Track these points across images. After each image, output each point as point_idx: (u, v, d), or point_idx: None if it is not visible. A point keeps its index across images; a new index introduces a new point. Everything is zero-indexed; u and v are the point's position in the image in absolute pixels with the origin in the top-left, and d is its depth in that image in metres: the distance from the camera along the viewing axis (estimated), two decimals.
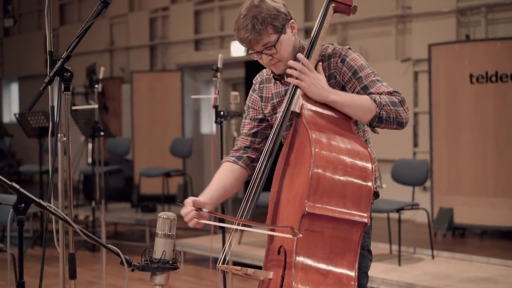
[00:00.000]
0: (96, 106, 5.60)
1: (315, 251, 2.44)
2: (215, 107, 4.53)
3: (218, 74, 4.65)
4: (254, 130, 2.91)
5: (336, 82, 2.70)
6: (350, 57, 2.69)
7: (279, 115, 2.68)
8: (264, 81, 2.91)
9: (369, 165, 2.50)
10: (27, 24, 16.81)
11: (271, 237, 2.64)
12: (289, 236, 2.37)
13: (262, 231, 2.64)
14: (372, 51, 9.82)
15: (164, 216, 2.54)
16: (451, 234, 8.43)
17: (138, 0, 13.77)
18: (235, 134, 4.96)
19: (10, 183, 2.31)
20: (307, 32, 10.84)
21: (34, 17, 16.52)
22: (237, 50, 11.66)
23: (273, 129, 2.68)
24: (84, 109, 6.87)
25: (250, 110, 2.93)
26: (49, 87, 3.00)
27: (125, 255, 2.47)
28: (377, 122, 2.58)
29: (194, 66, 12.99)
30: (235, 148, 2.93)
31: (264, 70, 2.95)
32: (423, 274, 5.66)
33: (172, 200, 10.18)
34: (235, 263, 2.71)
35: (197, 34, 12.65)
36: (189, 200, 2.70)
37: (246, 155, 2.88)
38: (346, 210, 2.44)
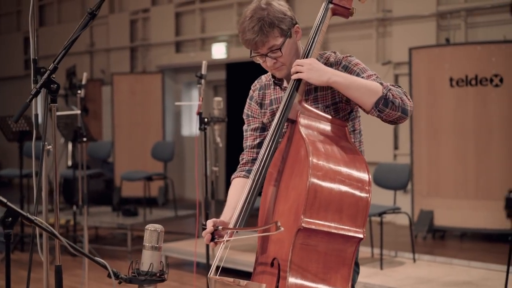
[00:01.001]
0: (79, 111, 5.57)
1: (309, 265, 2.41)
2: (199, 114, 4.51)
3: (202, 81, 4.63)
4: (258, 141, 2.88)
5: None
6: (352, 63, 2.68)
7: (274, 122, 2.63)
8: (263, 87, 2.89)
9: (365, 176, 2.48)
10: (6, 25, 16.68)
11: (263, 248, 2.59)
12: (273, 232, 2.33)
13: (249, 235, 2.61)
14: (353, 54, 9.79)
15: (152, 228, 2.53)
16: (431, 237, 8.49)
17: (118, 2, 13.72)
18: (218, 139, 4.96)
19: None
20: None
21: (13, 18, 16.40)
22: (218, 52, 11.67)
23: (269, 136, 2.62)
24: (67, 114, 6.82)
25: (250, 119, 2.91)
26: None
27: (112, 268, 2.46)
28: (382, 104, 2.48)
29: (175, 68, 12.97)
30: (242, 162, 2.90)
31: (262, 76, 2.93)
32: (406, 278, 5.69)
33: (153, 203, 10.17)
34: (218, 268, 2.67)
35: (178, 36, 12.64)
36: (210, 221, 2.64)
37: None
38: (342, 226, 2.41)
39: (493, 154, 8.05)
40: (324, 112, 2.67)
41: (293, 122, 2.60)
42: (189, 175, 12.87)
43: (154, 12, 12.80)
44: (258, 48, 2.65)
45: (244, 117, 2.94)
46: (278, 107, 2.70)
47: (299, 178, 2.45)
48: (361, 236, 2.44)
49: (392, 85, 2.56)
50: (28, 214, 2.35)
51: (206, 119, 4.53)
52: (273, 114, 2.79)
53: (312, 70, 2.53)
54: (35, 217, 2.36)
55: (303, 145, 2.47)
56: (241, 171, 2.88)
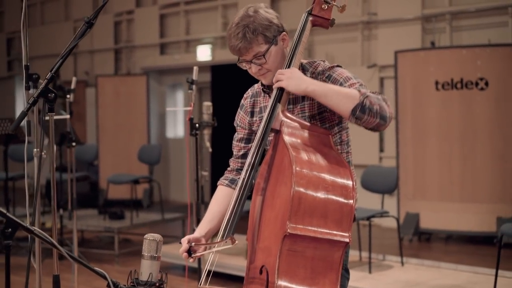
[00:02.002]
0: (68, 116, 5.55)
1: (297, 271, 2.44)
2: (190, 119, 4.50)
3: (194, 87, 4.62)
4: (242, 152, 2.92)
5: None
6: (336, 72, 2.69)
7: (258, 132, 2.66)
8: (254, 94, 2.91)
9: (349, 183, 2.50)
10: None
11: (252, 256, 2.63)
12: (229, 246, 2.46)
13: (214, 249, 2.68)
14: (338, 57, 9.89)
15: (151, 238, 2.52)
16: (417, 239, 8.53)
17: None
18: (207, 144, 4.96)
19: None
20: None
21: None
22: (203, 54, 11.66)
23: (253, 148, 2.65)
24: (57, 119, 6.78)
25: (238, 128, 2.95)
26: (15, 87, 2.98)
27: (111, 278, 2.45)
28: (360, 111, 2.48)
29: (159, 70, 12.94)
30: (229, 169, 2.96)
31: (255, 84, 2.96)
32: (394, 282, 5.72)
33: (138, 205, 10.14)
34: (209, 272, 2.70)
35: (163, 38, 12.61)
36: (185, 238, 2.71)
37: (238, 177, 2.85)
38: (327, 230, 2.43)
39: (478, 157, 8.11)
40: (310, 121, 2.70)
41: (278, 132, 2.63)
42: (173, 178, 12.85)
43: (139, 14, 12.77)
44: (243, 54, 2.68)
45: (235, 125, 2.99)
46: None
47: (283, 186, 2.49)
48: (346, 240, 2.46)
49: (373, 92, 2.57)
50: (28, 225, 2.33)
51: (197, 125, 4.50)
52: (262, 121, 2.81)
53: (291, 79, 2.57)
54: (35, 228, 2.34)
55: (287, 153, 2.50)
56: (225, 179, 2.94)
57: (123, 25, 13.20)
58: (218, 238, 2.60)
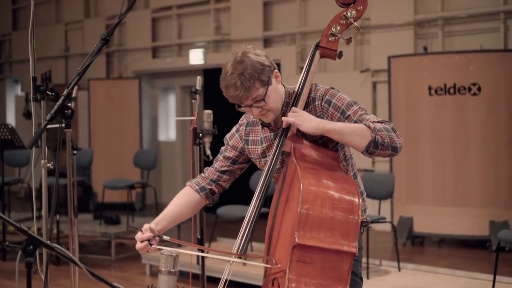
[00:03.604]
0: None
1: (307, 282, 2.53)
2: (194, 129, 4.53)
3: (197, 96, 4.65)
4: (225, 168, 3.01)
5: None
6: (335, 99, 2.77)
7: (269, 157, 2.79)
8: (250, 123, 2.98)
9: (356, 200, 2.60)
10: None
11: (265, 270, 2.74)
12: (269, 266, 2.57)
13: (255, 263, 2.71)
14: (331, 62, 9.84)
15: (168, 253, 2.57)
16: (411, 243, 8.60)
17: (94, 7, 13.65)
18: (208, 152, 4.98)
19: (19, 225, 2.32)
20: (266, 41, 10.93)
21: None
22: (196, 58, 11.69)
23: (266, 170, 2.77)
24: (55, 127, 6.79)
25: (228, 147, 3.03)
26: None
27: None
28: (373, 147, 2.63)
29: (151, 74, 12.96)
30: (203, 175, 3.03)
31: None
32: None
33: (130, 208, 10.15)
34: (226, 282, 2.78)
35: (155, 42, 12.62)
36: (146, 227, 2.78)
37: (210, 187, 3.00)
38: (334, 241, 2.53)
39: (471, 162, 8.19)
40: (316, 143, 2.81)
41: (288, 154, 2.76)
42: (165, 181, 12.87)
43: (131, 18, 12.76)
44: (243, 102, 2.73)
45: (224, 141, 3.06)
46: (268, 145, 2.88)
47: (292, 202, 2.60)
48: (353, 250, 2.55)
49: (380, 122, 2.69)
50: (48, 241, 2.37)
51: (200, 134, 4.53)
52: (263, 151, 2.92)
53: (308, 121, 2.67)
54: (55, 245, 2.38)
55: (296, 171, 2.62)
56: (196, 184, 3.01)
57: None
58: (234, 251, 2.67)
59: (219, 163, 3.02)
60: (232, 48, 11.25)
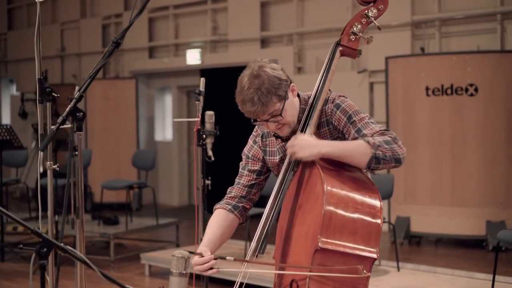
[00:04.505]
0: (70, 125, 5.55)
1: (327, 286, 2.53)
2: (198, 130, 4.56)
3: (201, 98, 4.67)
4: (252, 182, 2.97)
5: (334, 127, 2.78)
6: (345, 104, 2.76)
7: (287, 159, 2.76)
8: (265, 134, 2.96)
9: (377, 203, 2.60)
10: None
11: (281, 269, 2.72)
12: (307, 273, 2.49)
13: (277, 271, 2.72)
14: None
15: (179, 255, 2.59)
16: (408, 243, 8.64)
17: (90, 6, 13.65)
18: (210, 153, 5.01)
19: (33, 228, 2.34)
20: (263, 41, 10.95)
21: None
22: (193, 58, 11.71)
23: (283, 171, 2.75)
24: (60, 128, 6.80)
25: (250, 160, 2.98)
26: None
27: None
28: (375, 163, 2.57)
29: (147, 74, 12.97)
30: (230, 195, 2.97)
31: None
32: None
33: (126, 208, 10.16)
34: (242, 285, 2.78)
35: (152, 42, 12.63)
36: (205, 249, 2.75)
37: (241, 204, 2.95)
38: (356, 246, 2.53)
39: (468, 162, 8.23)
40: None
41: None
42: (162, 181, 12.89)
43: (127, 17, 12.73)
44: (259, 117, 2.70)
45: (243, 156, 3.02)
46: (284, 154, 2.83)
47: (315, 203, 2.58)
48: (374, 256, 2.55)
49: (382, 134, 2.63)
50: (62, 244, 2.39)
51: (204, 136, 4.56)
52: (281, 159, 2.88)
53: (304, 148, 2.60)
54: (69, 247, 2.40)
55: (318, 173, 2.60)
56: (227, 204, 2.95)
57: (111, 28, 13.20)
58: (249, 254, 2.67)
59: (245, 178, 2.97)
60: (229, 48, 11.29)
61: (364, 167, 2.61)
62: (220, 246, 2.90)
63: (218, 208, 2.96)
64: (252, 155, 2.98)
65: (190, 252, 2.67)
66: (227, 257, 2.69)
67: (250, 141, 3.02)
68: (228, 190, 3.00)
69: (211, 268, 2.71)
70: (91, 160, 9.88)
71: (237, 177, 3.01)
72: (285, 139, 2.85)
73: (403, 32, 9.36)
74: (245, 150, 3.01)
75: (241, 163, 3.02)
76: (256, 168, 2.97)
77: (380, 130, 2.65)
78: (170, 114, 13.14)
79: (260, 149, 2.97)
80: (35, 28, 3.37)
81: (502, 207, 8.11)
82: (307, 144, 2.61)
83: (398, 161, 2.60)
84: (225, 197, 2.99)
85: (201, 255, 2.71)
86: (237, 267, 2.79)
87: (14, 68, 14.92)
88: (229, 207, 2.94)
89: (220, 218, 2.92)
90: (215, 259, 2.71)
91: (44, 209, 10.01)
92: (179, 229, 8.46)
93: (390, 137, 2.61)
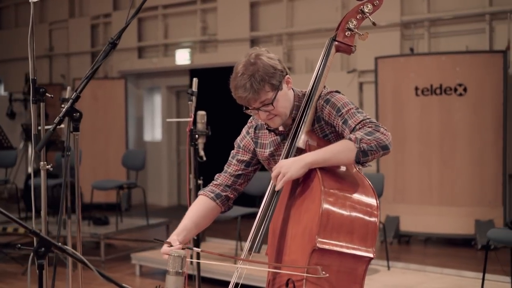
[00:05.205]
0: (63, 126, 5.54)
1: (323, 284, 2.54)
2: (191, 130, 4.57)
3: (194, 98, 4.67)
4: (239, 172, 2.96)
5: (325, 123, 2.78)
6: (334, 98, 2.75)
7: (284, 151, 2.75)
8: (259, 126, 2.96)
9: (374, 201, 2.61)
10: None
11: (275, 271, 2.71)
12: (316, 275, 2.50)
13: (274, 270, 2.72)
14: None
15: (176, 254, 2.59)
16: (397, 242, 8.68)
17: (79, 6, 13.61)
18: (202, 153, 5.01)
19: (31, 228, 2.34)
20: (252, 41, 10.96)
21: None
22: (182, 58, 11.71)
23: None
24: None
25: (240, 150, 2.98)
26: None
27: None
28: (362, 156, 2.55)
29: (136, 74, 12.95)
30: (216, 182, 2.97)
31: None
32: (383, 287, 5.83)
33: (115, 208, 10.15)
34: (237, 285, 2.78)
35: (141, 42, 12.61)
36: (174, 238, 2.75)
37: (225, 193, 2.94)
38: (353, 246, 2.54)
39: (457, 162, 8.28)
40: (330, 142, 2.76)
41: (302, 151, 2.71)
42: (151, 181, 12.88)
43: (116, 17, 12.74)
44: (251, 104, 2.70)
45: (235, 145, 3.02)
46: (276, 148, 2.86)
47: (311, 203, 2.58)
48: (371, 255, 2.58)
49: (363, 124, 2.61)
50: (60, 244, 2.39)
51: (197, 136, 4.57)
52: (271, 154, 2.89)
53: (291, 167, 2.59)
54: (67, 247, 2.40)
55: (314, 171, 2.60)
56: (211, 192, 2.95)
57: (100, 28, 13.17)
58: (246, 251, 2.66)
59: (233, 167, 2.97)
60: (218, 49, 11.29)
61: (352, 162, 2.60)
62: (197, 233, 2.94)
63: (201, 194, 2.96)
64: (243, 145, 2.98)
65: (156, 240, 2.69)
66: (194, 248, 2.72)
67: (243, 131, 3.02)
68: (216, 176, 3.00)
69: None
70: (81, 160, 9.86)
71: (226, 165, 3.00)
72: (278, 133, 2.85)
73: (392, 33, 9.40)
74: (238, 139, 3.02)
75: (232, 151, 3.02)
76: (245, 158, 2.97)
77: (363, 120, 2.63)
78: (159, 114, 13.13)
79: (252, 141, 2.96)
80: (22, 28, 3.37)
81: (491, 206, 8.17)
82: (291, 162, 2.61)
83: (385, 148, 2.57)
84: (210, 184, 2.98)
85: (170, 244, 2.71)
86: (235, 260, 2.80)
87: (2, 68, 14.85)
88: (212, 195, 2.93)
89: (201, 205, 2.92)
90: (182, 249, 2.71)
91: (29, 209, 10.01)
92: (170, 229, 8.46)
93: (370, 127, 2.59)
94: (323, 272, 2.50)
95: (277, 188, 2.64)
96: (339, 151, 2.58)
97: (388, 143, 2.57)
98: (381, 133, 2.57)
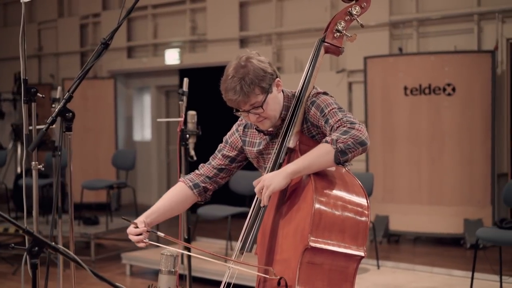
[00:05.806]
0: (53, 126, 5.54)
1: (315, 282, 2.57)
2: (181, 130, 4.58)
3: (184, 98, 4.69)
4: (223, 167, 3.01)
5: (311, 124, 2.80)
6: (320, 99, 2.77)
7: (275, 151, 2.78)
8: (248, 125, 2.99)
9: (364, 200, 2.66)
10: None
11: (267, 270, 2.72)
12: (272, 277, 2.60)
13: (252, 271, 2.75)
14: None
15: (168, 253, 2.61)
16: (387, 241, 8.72)
17: (68, 6, 13.58)
18: (192, 152, 5.02)
19: (24, 227, 2.35)
20: (242, 41, 10.97)
21: None
22: (171, 58, 11.71)
23: (269, 165, 2.77)
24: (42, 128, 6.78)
25: (227, 146, 3.02)
26: None
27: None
28: (341, 156, 2.56)
29: (126, 73, 12.94)
30: (198, 172, 3.01)
31: None
32: (372, 286, 5.87)
33: (105, 208, 10.15)
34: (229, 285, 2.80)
35: (130, 41, 12.60)
36: (141, 219, 2.83)
37: (204, 184, 2.98)
38: (345, 244, 2.58)
39: (446, 161, 8.33)
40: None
41: (292, 151, 2.75)
42: (141, 181, 12.87)
43: (105, 17, 12.72)
44: (241, 107, 2.73)
45: (224, 140, 3.06)
46: (264, 147, 2.89)
47: (303, 202, 2.61)
48: (362, 254, 2.62)
49: (339, 124, 2.62)
50: (53, 243, 2.40)
51: (188, 136, 4.58)
52: (260, 152, 2.92)
53: (273, 180, 2.60)
54: (59, 246, 2.41)
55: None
56: (190, 181, 2.99)
57: (89, 28, 13.15)
58: (238, 249, 2.69)
59: (217, 160, 3.01)
60: (208, 48, 11.30)
61: (333, 164, 2.61)
62: (168, 218, 2.97)
63: (180, 181, 3.01)
64: (231, 141, 3.02)
65: (124, 218, 2.74)
66: (158, 233, 2.73)
67: (233, 128, 3.05)
68: (200, 166, 3.04)
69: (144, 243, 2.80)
70: (71, 161, 9.83)
71: (211, 157, 3.05)
72: (267, 133, 2.88)
73: (381, 32, 9.44)
74: (227, 134, 3.06)
75: (220, 144, 3.06)
76: (230, 155, 3.01)
77: (341, 119, 2.64)
78: (149, 114, 13.13)
79: (240, 139, 3.00)
80: (11, 28, 3.37)
81: (479, 205, 8.22)
82: (273, 175, 2.63)
83: (362, 144, 2.57)
84: (193, 172, 3.03)
85: (136, 225, 2.77)
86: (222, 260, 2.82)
87: None
88: (190, 183, 2.97)
89: (177, 191, 2.98)
90: (148, 231, 2.79)
91: (19, 209, 9.97)
92: (159, 229, 8.45)
93: (345, 126, 2.61)
94: (274, 274, 2.59)
95: (263, 204, 2.65)
96: (319, 155, 2.60)
97: (364, 138, 2.58)
98: (356, 129, 2.58)
